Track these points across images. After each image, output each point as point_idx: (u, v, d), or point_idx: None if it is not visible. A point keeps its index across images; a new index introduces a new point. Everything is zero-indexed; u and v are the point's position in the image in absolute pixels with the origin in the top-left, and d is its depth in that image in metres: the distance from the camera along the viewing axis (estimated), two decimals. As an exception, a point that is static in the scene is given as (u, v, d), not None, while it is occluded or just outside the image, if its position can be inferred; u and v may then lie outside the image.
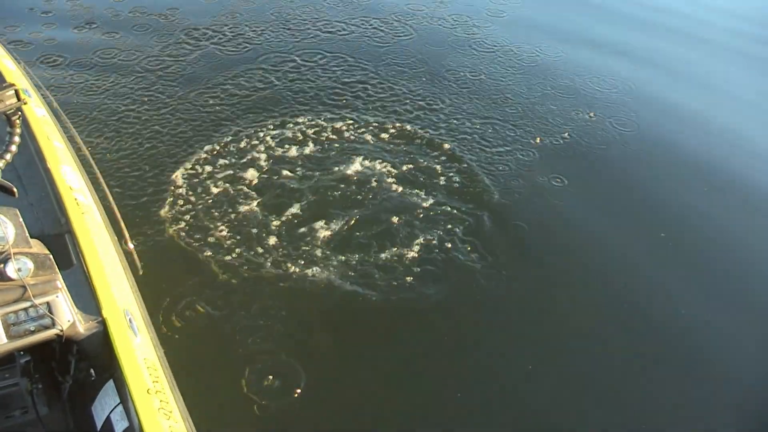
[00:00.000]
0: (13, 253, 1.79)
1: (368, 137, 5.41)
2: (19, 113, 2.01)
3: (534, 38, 7.72)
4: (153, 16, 7.30)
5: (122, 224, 2.84)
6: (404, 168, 5.07)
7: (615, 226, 4.88)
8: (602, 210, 5.05)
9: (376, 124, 5.58)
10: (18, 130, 2.02)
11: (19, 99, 1.96)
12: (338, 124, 5.52)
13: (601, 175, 5.45)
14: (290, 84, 6.17)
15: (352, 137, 5.39)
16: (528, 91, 6.47)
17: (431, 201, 4.75)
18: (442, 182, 5.00)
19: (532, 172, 5.29)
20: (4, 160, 1.96)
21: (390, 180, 4.93)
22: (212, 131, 5.33)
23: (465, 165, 5.24)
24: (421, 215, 4.61)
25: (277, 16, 7.59)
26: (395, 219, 4.55)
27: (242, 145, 5.15)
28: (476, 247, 4.39)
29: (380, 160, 5.12)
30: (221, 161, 4.95)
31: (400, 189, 4.86)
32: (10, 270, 1.80)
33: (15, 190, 1.92)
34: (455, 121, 5.82)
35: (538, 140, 5.66)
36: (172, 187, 4.58)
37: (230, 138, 5.23)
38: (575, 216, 4.89)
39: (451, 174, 5.09)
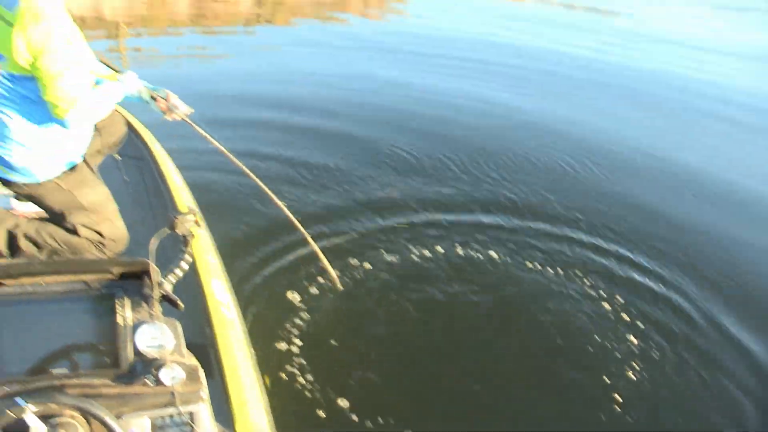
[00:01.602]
0: (169, 362, 1.81)
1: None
2: (194, 236, 2.10)
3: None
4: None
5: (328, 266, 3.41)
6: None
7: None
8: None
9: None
10: (191, 250, 2.10)
11: (197, 224, 2.08)
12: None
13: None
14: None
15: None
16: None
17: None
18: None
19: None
20: (175, 276, 2.03)
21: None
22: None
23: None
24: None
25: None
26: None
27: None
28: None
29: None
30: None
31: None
32: (165, 376, 1.83)
33: (181, 304, 1.97)
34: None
35: None
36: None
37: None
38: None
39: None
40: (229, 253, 3.80)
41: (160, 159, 3.56)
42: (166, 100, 2.77)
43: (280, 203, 3.41)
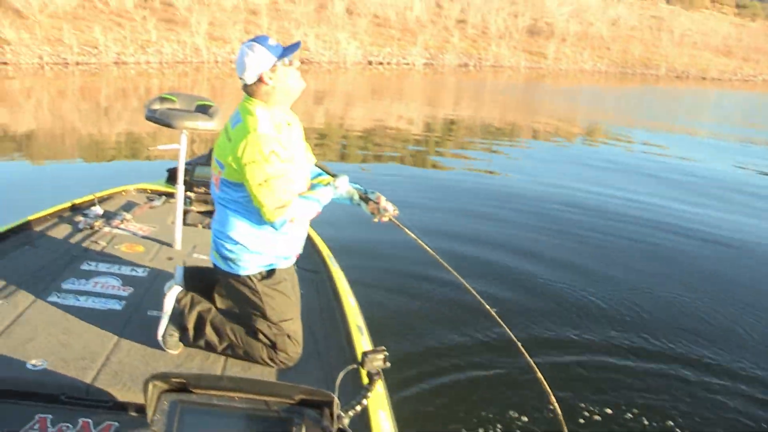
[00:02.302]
0: None
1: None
2: (380, 375, 2.14)
3: None
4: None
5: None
6: None
7: None
8: None
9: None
10: (374, 387, 2.14)
11: (384, 363, 2.13)
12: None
13: None
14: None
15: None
16: None
17: None
18: None
19: None
20: (354, 411, 2.05)
21: None
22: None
23: None
24: None
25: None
26: None
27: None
28: None
29: None
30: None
31: None
32: None
33: None
34: None
35: None
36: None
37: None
38: None
39: None
40: (403, 377, 3.72)
41: (335, 275, 3.63)
42: (376, 202, 2.84)
43: (501, 322, 2.92)
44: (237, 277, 2.69)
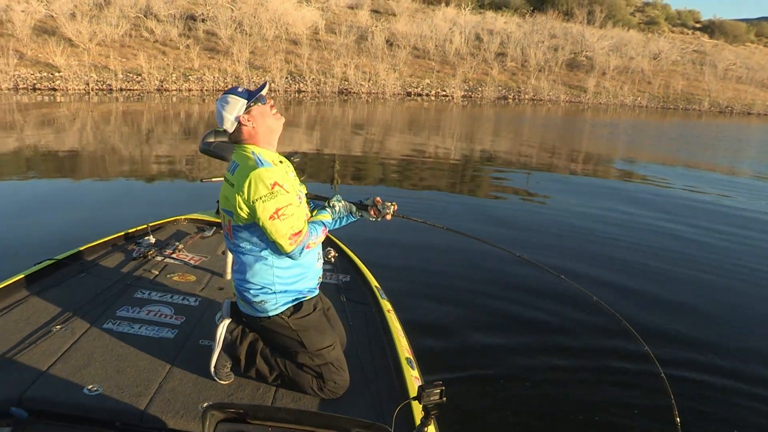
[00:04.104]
0: None
1: None
2: (436, 411, 2.09)
3: None
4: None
5: None
6: None
7: None
8: None
9: None
10: (430, 422, 2.10)
11: (441, 398, 2.07)
12: None
13: None
14: None
15: None
16: None
17: None
18: None
19: None
20: None
21: None
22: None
23: None
24: None
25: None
26: None
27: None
28: None
29: None
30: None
31: None
32: None
33: None
34: None
35: None
36: None
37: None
38: None
39: None
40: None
41: (384, 307, 3.65)
42: (375, 205, 2.95)
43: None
44: (267, 319, 2.75)
